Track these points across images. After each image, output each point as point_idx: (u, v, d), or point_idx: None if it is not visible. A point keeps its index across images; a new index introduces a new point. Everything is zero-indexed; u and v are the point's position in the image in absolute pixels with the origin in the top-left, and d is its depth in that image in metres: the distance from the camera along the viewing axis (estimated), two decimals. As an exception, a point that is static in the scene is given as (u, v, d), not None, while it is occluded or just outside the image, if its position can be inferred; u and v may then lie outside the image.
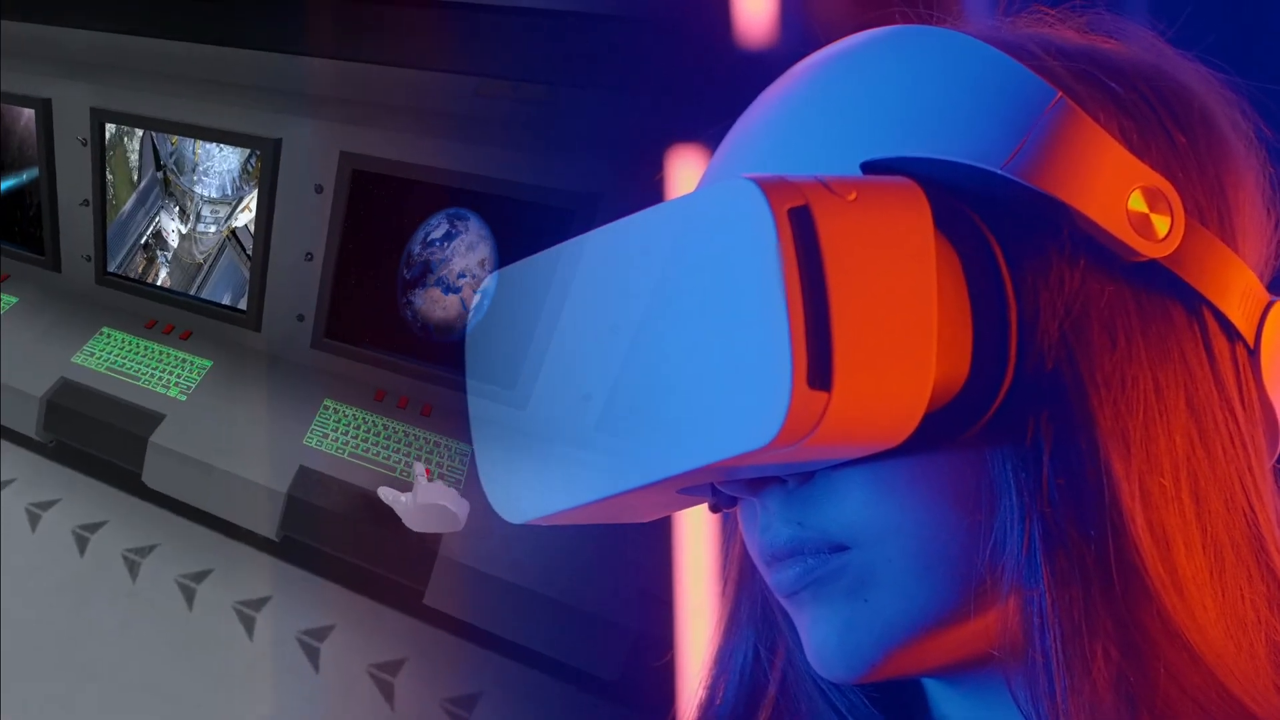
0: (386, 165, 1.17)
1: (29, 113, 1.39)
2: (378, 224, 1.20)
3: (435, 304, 1.16)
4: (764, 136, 0.29)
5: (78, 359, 1.33)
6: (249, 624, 1.15)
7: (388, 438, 1.17)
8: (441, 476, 1.11)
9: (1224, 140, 0.29)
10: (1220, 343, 0.28)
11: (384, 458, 1.16)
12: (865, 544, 0.27)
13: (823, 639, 0.28)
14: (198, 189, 1.33)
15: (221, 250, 1.33)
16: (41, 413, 1.30)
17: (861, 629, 0.27)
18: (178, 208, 1.35)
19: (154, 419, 1.24)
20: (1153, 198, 0.27)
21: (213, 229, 1.33)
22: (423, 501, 1.05)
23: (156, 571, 1.21)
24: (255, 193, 1.27)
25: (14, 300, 1.42)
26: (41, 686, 1.16)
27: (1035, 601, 0.26)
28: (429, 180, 1.14)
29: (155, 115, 1.32)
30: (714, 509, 0.30)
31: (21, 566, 1.22)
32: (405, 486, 1.09)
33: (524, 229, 1.09)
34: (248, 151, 1.27)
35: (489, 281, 0.30)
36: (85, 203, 1.39)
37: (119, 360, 1.32)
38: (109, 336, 1.36)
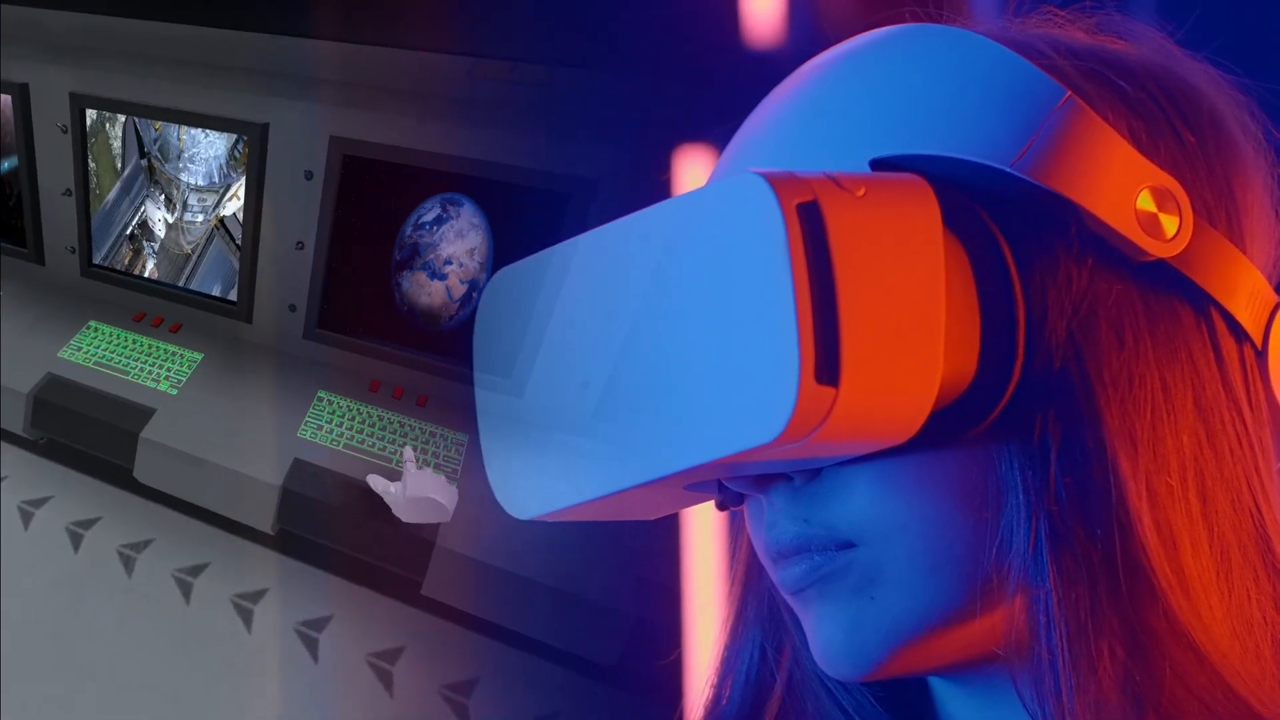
0: (379, 150, 1.15)
1: (5, 99, 1.36)
2: (370, 210, 1.18)
3: (420, 288, 1.15)
4: (773, 133, 0.29)
5: (64, 354, 1.31)
6: (247, 617, 1.15)
7: (383, 429, 1.17)
8: (438, 466, 1.10)
9: (1233, 141, 0.29)
10: (1228, 343, 0.28)
11: (379, 449, 1.15)
12: (872, 541, 0.27)
13: (829, 636, 0.28)
14: (184, 176, 1.31)
15: (210, 240, 1.31)
16: (29, 409, 1.28)
17: (868, 626, 0.27)
18: (164, 196, 1.33)
19: (144, 414, 1.23)
20: (1161, 197, 0.27)
21: (200, 218, 1.31)
22: (411, 495, 1.05)
23: (152, 567, 1.21)
24: (243, 180, 1.25)
25: (-3, 294, 1.40)
26: (40, 686, 1.16)
27: (1041, 600, 0.26)
28: (422, 165, 1.13)
29: (137, 100, 1.30)
30: (721, 507, 0.30)
31: (15, 565, 1.22)
32: (397, 476, 1.09)
33: (521, 214, 1.08)
34: (234, 137, 1.25)
35: (498, 276, 0.30)
36: (68, 192, 1.37)
37: (107, 354, 1.31)
38: (96, 330, 1.34)
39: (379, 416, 1.18)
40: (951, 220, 0.26)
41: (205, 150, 1.29)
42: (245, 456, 1.17)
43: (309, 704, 1.12)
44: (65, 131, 1.34)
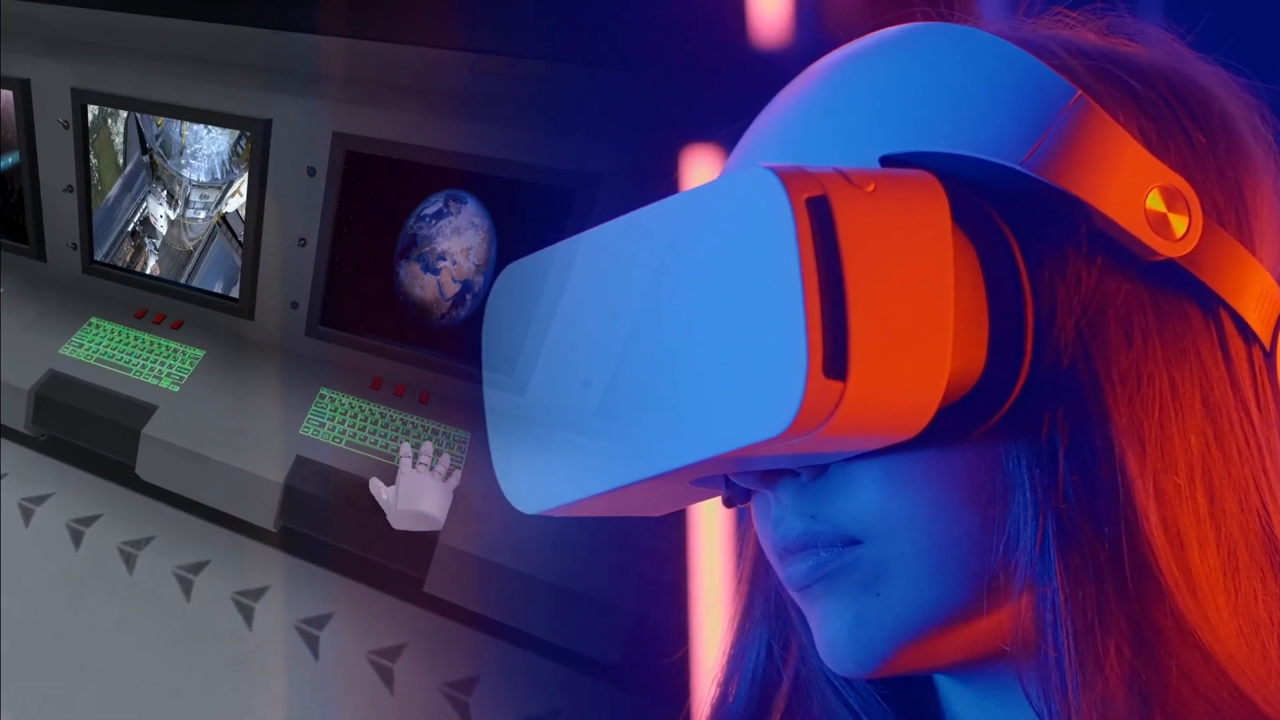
0: (381, 146, 1.15)
1: (7, 94, 1.36)
2: (373, 207, 1.18)
3: (415, 280, 1.15)
4: (782, 131, 0.29)
5: (66, 350, 1.31)
6: (248, 614, 1.15)
7: (385, 426, 1.17)
8: (440, 460, 1.10)
9: (1243, 143, 0.29)
10: (1236, 344, 0.28)
11: (381, 446, 1.15)
12: (878, 538, 0.27)
13: (834, 633, 0.28)
14: (186, 173, 1.31)
15: (212, 236, 1.31)
16: (30, 406, 1.28)
17: (873, 623, 0.27)
18: (166, 192, 1.33)
19: (146, 411, 1.23)
20: (1171, 197, 0.27)
21: (202, 214, 1.31)
22: (402, 509, 1.05)
23: (153, 564, 1.21)
24: (245, 176, 1.25)
25: (-2, 290, 1.40)
26: (40, 684, 1.16)
27: (1048, 598, 0.26)
28: (425, 161, 1.13)
29: (139, 96, 1.29)
30: (728, 503, 0.30)
31: (16, 562, 1.22)
32: (395, 478, 1.09)
33: (524, 210, 1.08)
34: (237, 133, 1.25)
35: (506, 272, 0.30)
36: (69, 188, 1.36)
37: (109, 351, 1.31)
38: (98, 327, 1.34)
39: (381, 414, 1.18)
40: (961, 217, 0.26)
41: (207, 146, 1.29)
42: (247, 453, 1.17)
43: (310, 701, 1.12)
44: (67, 127, 1.34)
